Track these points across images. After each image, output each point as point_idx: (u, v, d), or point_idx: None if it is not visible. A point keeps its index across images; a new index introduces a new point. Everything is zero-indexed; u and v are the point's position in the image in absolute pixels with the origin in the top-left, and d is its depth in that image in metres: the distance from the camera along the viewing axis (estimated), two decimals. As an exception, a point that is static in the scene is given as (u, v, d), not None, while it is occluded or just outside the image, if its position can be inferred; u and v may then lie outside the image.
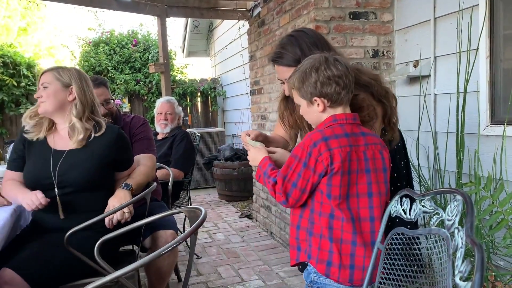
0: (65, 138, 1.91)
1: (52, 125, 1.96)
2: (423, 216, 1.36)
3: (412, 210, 1.27)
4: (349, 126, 1.34)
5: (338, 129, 1.33)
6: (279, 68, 1.65)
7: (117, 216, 1.82)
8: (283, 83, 1.68)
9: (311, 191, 1.32)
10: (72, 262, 1.74)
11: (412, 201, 1.29)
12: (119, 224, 1.85)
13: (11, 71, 6.22)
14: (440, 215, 1.14)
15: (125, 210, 1.83)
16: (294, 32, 1.65)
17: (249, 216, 4.65)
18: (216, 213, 4.88)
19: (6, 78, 6.13)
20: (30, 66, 6.47)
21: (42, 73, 1.90)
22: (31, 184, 1.88)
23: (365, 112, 1.48)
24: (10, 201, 1.94)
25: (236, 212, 4.88)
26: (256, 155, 1.47)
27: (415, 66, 2.79)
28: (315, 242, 1.33)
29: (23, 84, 6.23)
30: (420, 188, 2.63)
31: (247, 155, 1.55)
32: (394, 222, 1.44)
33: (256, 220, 4.39)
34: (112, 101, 2.45)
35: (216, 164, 5.44)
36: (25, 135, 1.94)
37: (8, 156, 3.07)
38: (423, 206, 1.23)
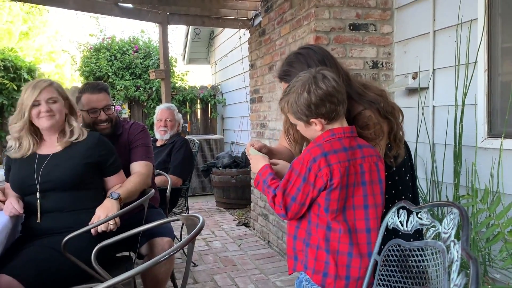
0: (50, 144, 1.98)
1: (34, 142, 1.98)
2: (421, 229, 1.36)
3: (409, 222, 1.27)
4: (347, 140, 1.35)
5: (337, 143, 1.33)
6: (286, 86, 1.65)
7: (101, 227, 1.82)
8: None
9: (310, 204, 1.33)
10: (69, 267, 1.75)
11: (409, 213, 1.29)
12: (116, 231, 1.85)
13: (12, 75, 6.23)
14: (437, 228, 1.15)
15: (110, 221, 1.84)
16: (302, 49, 1.63)
17: (246, 224, 4.64)
18: (213, 220, 4.87)
19: (6, 82, 6.15)
20: (30, 70, 6.48)
21: (45, 88, 1.93)
22: (16, 188, 1.98)
23: (371, 130, 1.47)
24: None
25: (234, 220, 4.87)
26: (256, 162, 1.49)
27: (414, 78, 2.81)
28: (312, 253, 1.33)
29: (23, 88, 6.24)
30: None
31: (246, 162, 1.57)
32: (397, 234, 1.44)
33: (254, 229, 4.38)
34: (113, 107, 2.45)
35: (215, 172, 5.44)
36: (8, 154, 2.00)
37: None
38: (420, 218, 1.24)
